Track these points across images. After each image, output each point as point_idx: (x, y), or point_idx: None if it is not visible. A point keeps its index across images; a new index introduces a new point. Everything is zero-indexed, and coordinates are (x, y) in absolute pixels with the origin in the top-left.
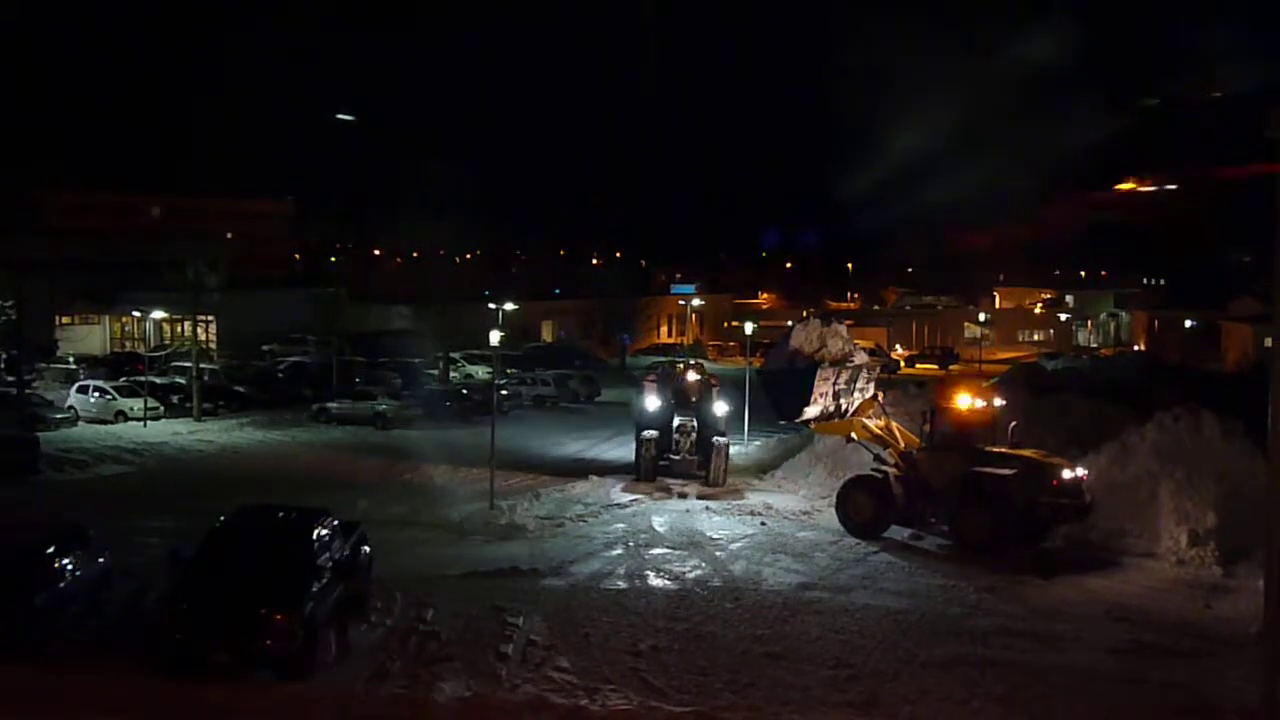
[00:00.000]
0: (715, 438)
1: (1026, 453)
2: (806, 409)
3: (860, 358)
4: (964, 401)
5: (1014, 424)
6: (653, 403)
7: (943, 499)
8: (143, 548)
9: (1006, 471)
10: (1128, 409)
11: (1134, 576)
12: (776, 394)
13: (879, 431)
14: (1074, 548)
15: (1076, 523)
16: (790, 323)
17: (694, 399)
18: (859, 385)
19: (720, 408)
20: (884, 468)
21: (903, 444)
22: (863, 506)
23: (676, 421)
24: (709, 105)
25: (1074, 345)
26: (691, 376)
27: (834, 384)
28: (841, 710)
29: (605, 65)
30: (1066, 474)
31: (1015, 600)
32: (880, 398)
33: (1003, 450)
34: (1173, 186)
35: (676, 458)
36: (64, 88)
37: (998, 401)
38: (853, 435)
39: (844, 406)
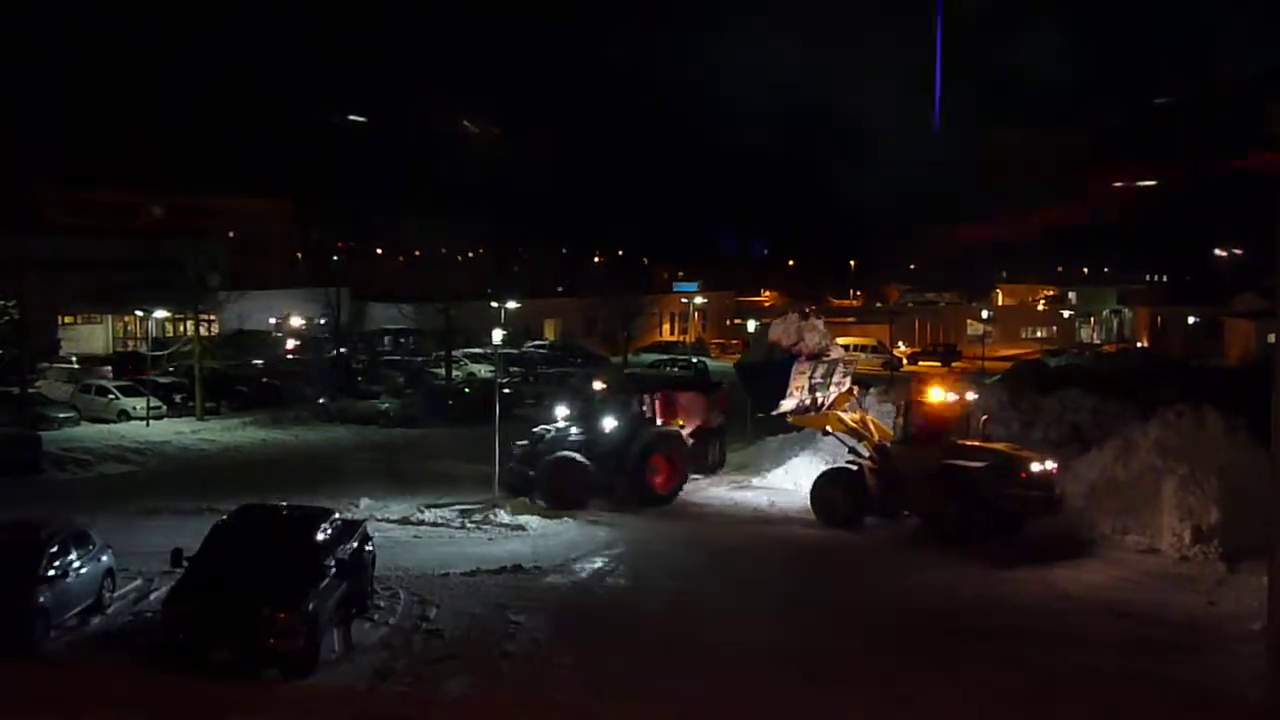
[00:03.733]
0: (561, 453)
1: (998, 446)
2: (783, 402)
3: (836, 352)
4: (937, 395)
5: (985, 417)
6: (561, 412)
7: (916, 491)
8: (145, 547)
9: (977, 464)
10: (1130, 405)
11: (1137, 572)
12: (755, 387)
13: (854, 425)
14: (1076, 543)
15: (1047, 515)
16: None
17: (591, 410)
18: (835, 379)
19: (609, 423)
20: (858, 461)
21: (877, 437)
22: (838, 499)
23: (537, 430)
24: (710, 102)
25: (1077, 342)
26: (597, 385)
27: (810, 378)
28: (846, 708)
29: (608, 60)
30: (1036, 467)
31: (1018, 597)
32: (855, 392)
33: (975, 443)
34: (1151, 182)
35: (510, 465)
36: (65, 85)
37: (970, 395)
38: (828, 428)
39: (820, 400)
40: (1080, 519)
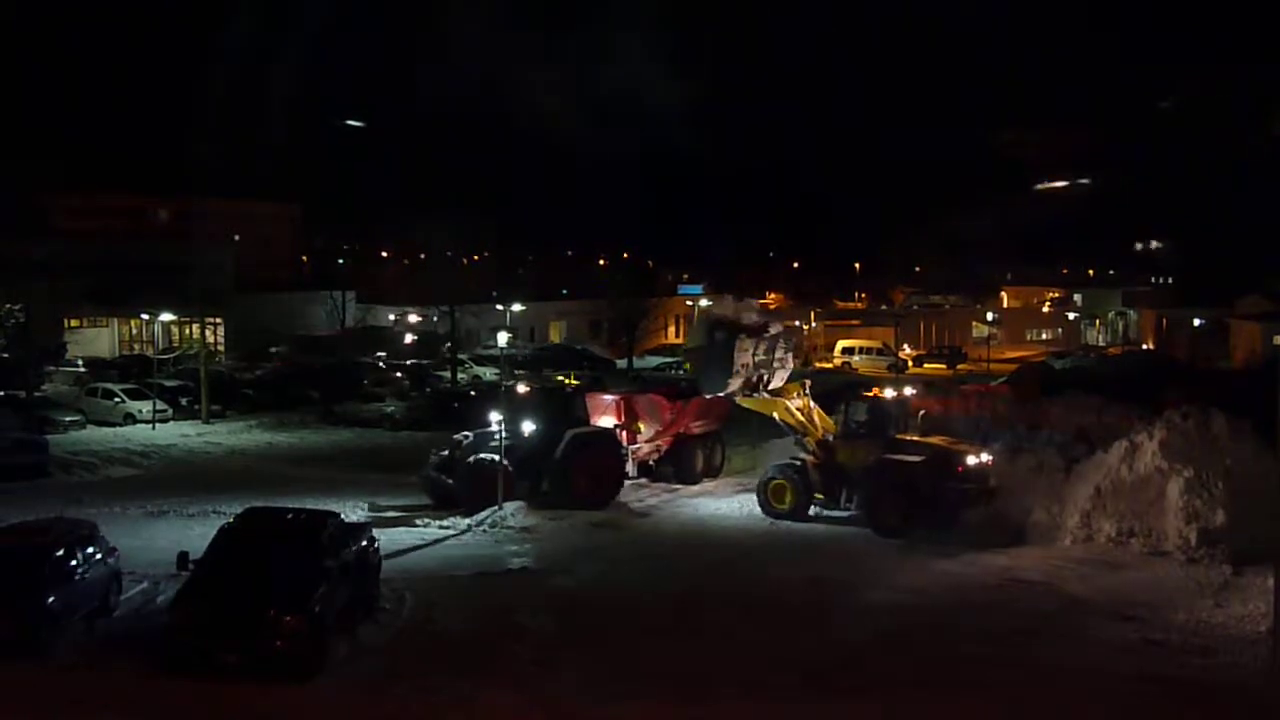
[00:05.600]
0: (480, 456)
1: (934, 440)
2: (729, 381)
3: (776, 327)
4: (878, 391)
5: (923, 412)
6: (494, 417)
7: (857, 484)
8: (152, 549)
9: (915, 458)
10: (1136, 407)
11: (1143, 575)
12: (700, 370)
13: (800, 417)
14: (1081, 546)
15: (981, 506)
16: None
17: (517, 414)
18: (778, 355)
19: (528, 426)
20: (802, 455)
21: (820, 431)
22: (783, 493)
23: (457, 435)
24: (713, 104)
25: (1082, 344)
26: (520, 388)
27: (753, 354)
28: (851, 712)
29: (611, 65)
30: (971, 460)
31: (1024, 599)
32: (808, 385)
33: (913, 438)
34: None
35: (428, 473)
36: (71, 89)
37: (909, 391)
38: (776, 415)
39: (765, 378)
40: (1086, 522)
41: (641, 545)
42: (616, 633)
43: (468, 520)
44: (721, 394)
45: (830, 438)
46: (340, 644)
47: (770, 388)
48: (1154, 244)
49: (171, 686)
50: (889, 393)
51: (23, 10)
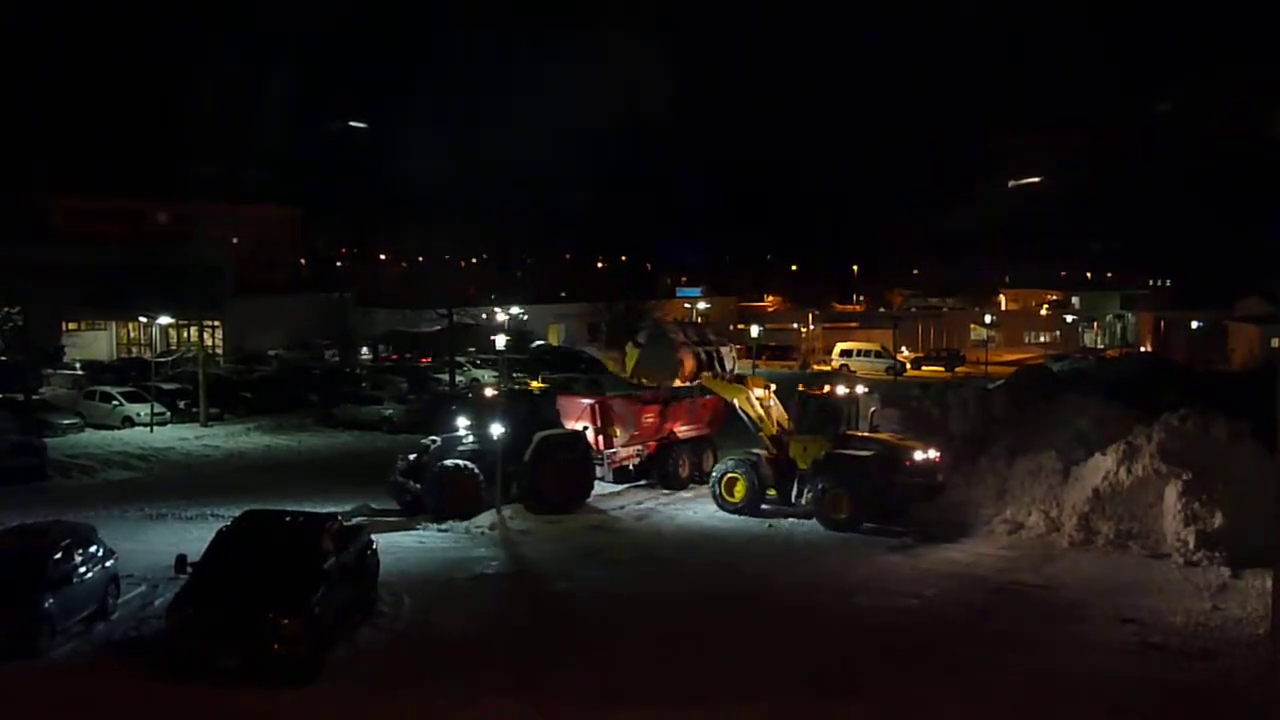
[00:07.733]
0: (449, 461)
1: (883, 436)
2: (680, 358)
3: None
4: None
5: (874, 409)
6: (462, 421)
7: (809, 479)
8: (150, 553)
9: (865, 453)
10: (1134, 410)
11: (1142, 578)
12: (652, 372)
13: (760, 409)
14: (1080, 549)
15: (929, 500)
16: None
17: (485, 418)
18: (712, 339)
19: (497, 430)
20: (756, 450)
21: (774, 427)
22: (737, 488)
23: (425, 440)
24: (714, 106)
25: (1080, 346)
26: (488, 392)
27: (684, 334)
28: (851, 713)
29: (610, 67)
30: (919, 455)
31: (1023, 603)
32: (773, 387)
33: (863, 434)
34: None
35: (393, 479)
36: (70, 92)
37: (860, 389)
38: (737, 402)
39: (717, 357)
40: (1084, 524)
41: (639, 548)
42: (615, 636)
43: (466, 524)
44: (687, 380)
45: (783, 434)
46: (339, 647)
47: (730, 370)
48: (1150, 245)
49: (169, 689)
50: (840, 390)
51: (23, 11)
